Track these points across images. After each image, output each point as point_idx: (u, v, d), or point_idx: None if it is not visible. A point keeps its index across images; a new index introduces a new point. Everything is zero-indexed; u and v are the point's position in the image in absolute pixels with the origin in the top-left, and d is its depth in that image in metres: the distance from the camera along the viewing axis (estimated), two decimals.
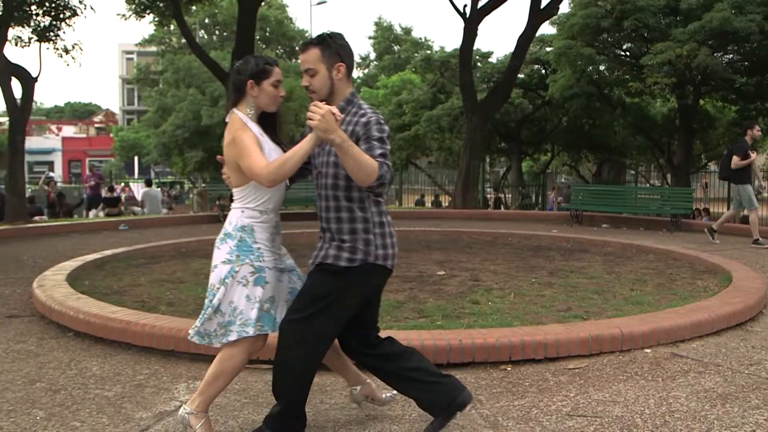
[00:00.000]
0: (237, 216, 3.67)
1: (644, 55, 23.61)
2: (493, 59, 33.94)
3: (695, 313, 5.87)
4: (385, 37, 54.28)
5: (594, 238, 12.80)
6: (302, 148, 3.39)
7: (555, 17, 25.60)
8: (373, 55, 57.59)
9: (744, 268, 8.50)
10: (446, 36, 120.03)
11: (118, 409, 4.24)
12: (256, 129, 3.63)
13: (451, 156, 34.50)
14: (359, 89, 47.52)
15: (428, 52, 42.35)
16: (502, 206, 30.55)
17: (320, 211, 3.65)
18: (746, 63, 24.63)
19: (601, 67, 27.63)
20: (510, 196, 32.94)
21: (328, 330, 3.60)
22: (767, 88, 25.74)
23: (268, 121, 3.73)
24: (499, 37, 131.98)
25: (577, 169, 38.48)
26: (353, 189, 3.50)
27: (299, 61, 4.13)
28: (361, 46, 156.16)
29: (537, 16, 21.34)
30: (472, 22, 21.61)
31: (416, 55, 42.93)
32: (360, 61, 60.33)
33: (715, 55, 23.13)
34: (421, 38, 51.58)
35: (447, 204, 28.83)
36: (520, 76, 29.42)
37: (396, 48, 53.11)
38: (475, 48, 25.87)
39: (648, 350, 5.31)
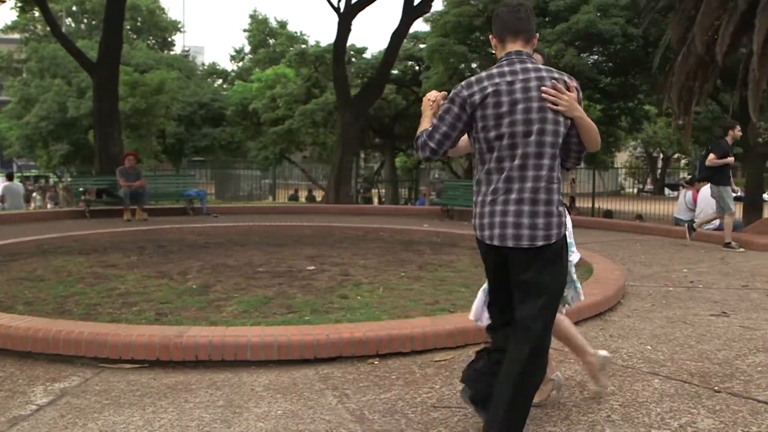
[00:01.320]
0: None
1: None
2: (367, 55, 34.17)
3: None
4: (260, 30, 53.74)
5: (464, 233, 13.01)
6: None
7: (429, 15, 25.98)
8: (247, 48, 56.97)
9: (604, 261, 8.83)
10: (322, 31, 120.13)
11: None
12: None
13: (325, 151, 34.58)
14: (233, 82, 46.95)
15: (303, 46, 42.19)
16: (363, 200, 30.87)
17: None
18: (610, 64, 25.67)
19: (474, 65, 28.18)
20: (384, 191, 33.19)
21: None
22: (630, 89, 26.91)
23: None
24: (375, 33, 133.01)
25: (450, 165, 39.11)
26: (477, 162, 3.56)
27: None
28: (236, 38, 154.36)
29: (410, 13, 21.58)
30: (346, 16, 21.67)
31: (291, 49, 42.67)
32: (234, 54, 59.61)
33: (582, 55, 24.04)
34: (296, 32, 51.26)
35: (320, 199, 28.82)
36: (394, 72, 29.73)
37: (271, 41, 52.67)
38: (350, 43, 25.97)
39: None
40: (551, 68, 3.49)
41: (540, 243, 3.34)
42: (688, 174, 29.46)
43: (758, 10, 14.18)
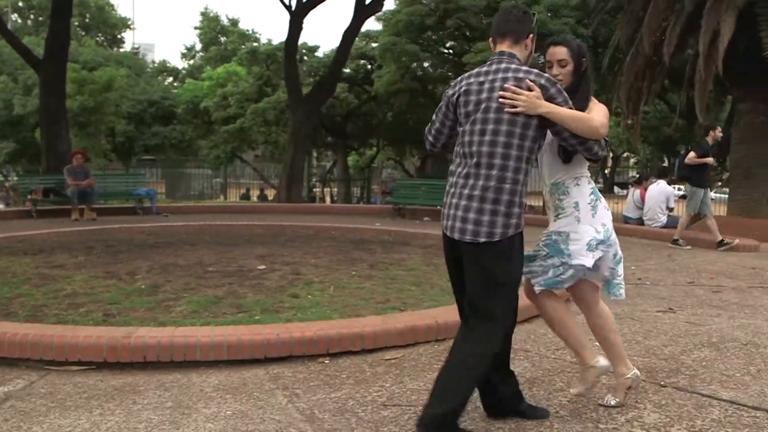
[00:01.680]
0: None
1: (466, 54, 24.36)
2: (319, 53, 34.09)
3: None
4: (212, 27, 53.33)
5: (416, 231, 13.06)
6: None
7: (381, 14, 26.00)
8: (199, 46, 56.53)
9: None
10: (274, 29, 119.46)
11: None
12: None
13: (278, 149, 34.45)
14: (184, 80, 46.55)
15: (255, 44, 41.95)
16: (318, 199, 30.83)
17: None
18: None
19: (425, 64, 28.30)
20: (336, 189, 33.14)
21: None
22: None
23: None
24: (326, 31, 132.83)
25: (402, 164, 39.20)
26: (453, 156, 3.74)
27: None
28: (187, 36, 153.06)
29: (362, 11, 21.59)
30: (297, 15, 21.60)
31: (243, 47, 42.41)
32: (185, 51, 59.14)
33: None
34: (248, 30, 51.00)
35: (272, 198, 28.68)
36: (347, 70, 29.71)
37: (222, 39, 52.31)
38: (302, 42, 25.90)
39: None
40: (520, 68, 3.53)
41: (482, 239, 3.45)
42: (637, 173, 29.88)
43: (704, 12, 14.42)
